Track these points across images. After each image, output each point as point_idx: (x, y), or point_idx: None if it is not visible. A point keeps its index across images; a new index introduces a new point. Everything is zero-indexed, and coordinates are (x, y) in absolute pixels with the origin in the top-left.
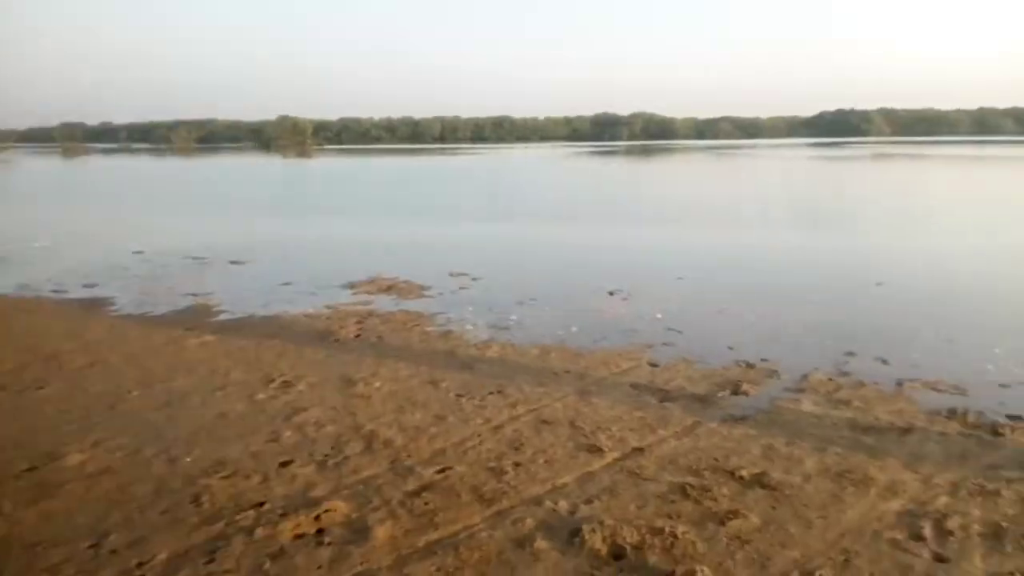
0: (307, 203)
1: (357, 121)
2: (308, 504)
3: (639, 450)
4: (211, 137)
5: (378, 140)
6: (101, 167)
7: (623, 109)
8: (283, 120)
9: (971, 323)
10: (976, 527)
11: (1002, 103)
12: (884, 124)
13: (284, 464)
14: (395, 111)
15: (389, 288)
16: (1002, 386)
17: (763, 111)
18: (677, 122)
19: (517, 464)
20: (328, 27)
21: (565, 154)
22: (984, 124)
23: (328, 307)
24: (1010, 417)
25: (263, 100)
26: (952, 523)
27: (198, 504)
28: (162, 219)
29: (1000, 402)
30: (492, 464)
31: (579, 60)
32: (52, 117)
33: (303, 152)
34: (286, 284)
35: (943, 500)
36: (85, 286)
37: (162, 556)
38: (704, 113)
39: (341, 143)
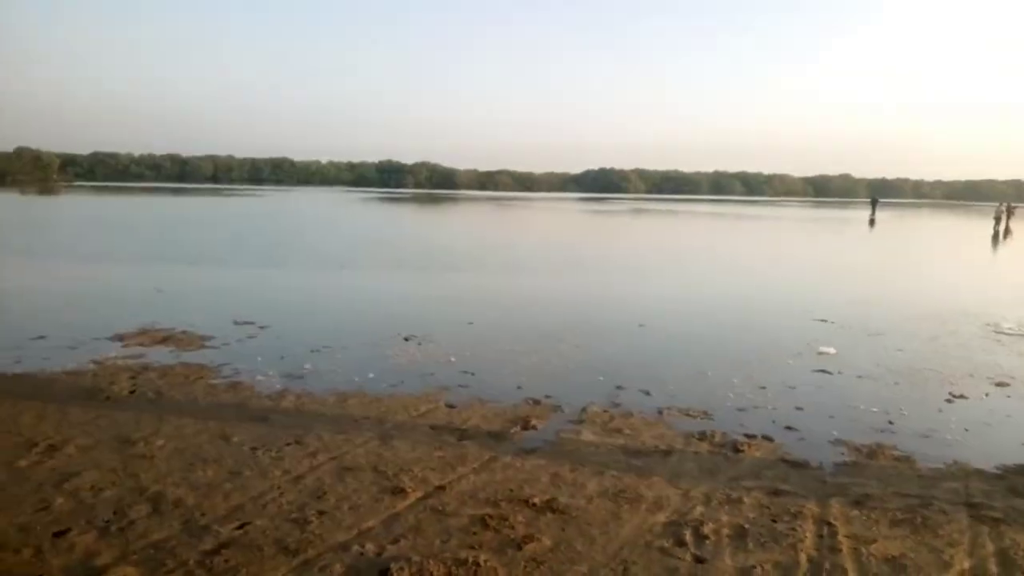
0: (58, 245)
1: (114, 156)
2: (92, 573)
3: (441, 488)
4: None
5: (140, 178)
6: None
7: (407, 157)
8: (22, 152)
9: (717, 357)
10: (725, 530)
11: (732, 167)
12: (639, 182)
13: (59, 534)
14: (159, 147)
15: (165, 339)
16: (739, 410)
17: (537, 167)
18: (459, 173)
19: (321, 512)
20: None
21: (350, 199)
22: (719, 185)
23: (94, 362)
24: (747, 436)
25: None
26: (707, 528)
27: None
28: None
29: (739, 423)
30: (295, 515)
31: (365, 105)
32: None
33: (47, 188)
34: (40, 338)
35: (699, 509)
36: None
37: None
38: (484, 165)
39: (95, 179)
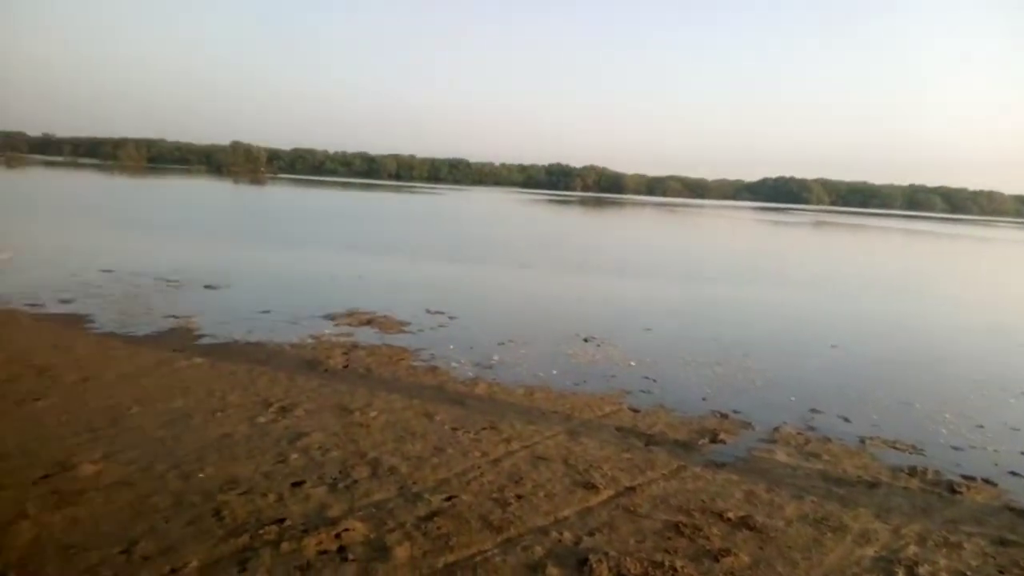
0: (272, 231)
1: (311, 152)
2: (326, 523)
3: (631, 489)
4: (159, 157)
5: (332, 173)
6: (51, 180)
7: (575, 161)
8: (236, 146)
9: (924, 387)
10: (943, 575)
11: (931, 182)
12: (823, 193)
13: (296, 484)
14: (350, 145)
15: (369, 322)
16: (954, 448)
17: (709, 173)
18: (627, 177)
19: (519, 496)
20: (282, 56)
21: (523, 200)
22: (914, 200)
23: (312, 337)
24: (964, 477)
25: (216, 125)
26: (922, 570)
27: (220, 518)
28: (127, 238)
29: (955, 463)
30: (495, 495)
31: (534, 111)
32: None
33: (256, 179)
34: (265, 312)
35: (912, 549)
36: (61, 301)
37: (194, 564)
38: (652, 170)
39: (294, 172)
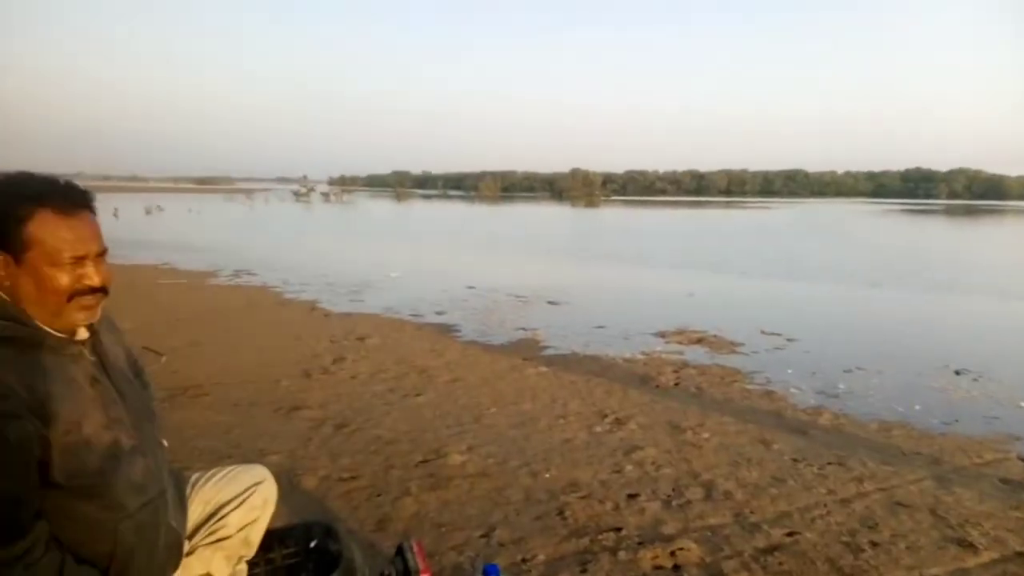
0: (605, 251)
1: (643, 174)
2: (661, 539)
3: (1021, 554)
4: (511, 187)
5: (662, 192)
6: (425, 210)
7: (940, 164)
8: (575, 172)
9: None
10: None
11: None
12: None
13: (632, 496)
14: (679, 164)
15: (700, 340)
16: None
17: None
18: (1009, 180)
19: (874, 543)
20: (613, 83)
21: (871, 211)
22: None
23: (643, 353)
24: None
25: (557, 154)
26: None
27: (563, 517)
28: (485, 259)
29: None
30: (845, 538)
31: (886, 110)
32: (386, 166)
33: (591, 202)
34: (600, 327)
35: None
36: (436, 312)
37: (541, 557)
38: None
39: (626, 194)
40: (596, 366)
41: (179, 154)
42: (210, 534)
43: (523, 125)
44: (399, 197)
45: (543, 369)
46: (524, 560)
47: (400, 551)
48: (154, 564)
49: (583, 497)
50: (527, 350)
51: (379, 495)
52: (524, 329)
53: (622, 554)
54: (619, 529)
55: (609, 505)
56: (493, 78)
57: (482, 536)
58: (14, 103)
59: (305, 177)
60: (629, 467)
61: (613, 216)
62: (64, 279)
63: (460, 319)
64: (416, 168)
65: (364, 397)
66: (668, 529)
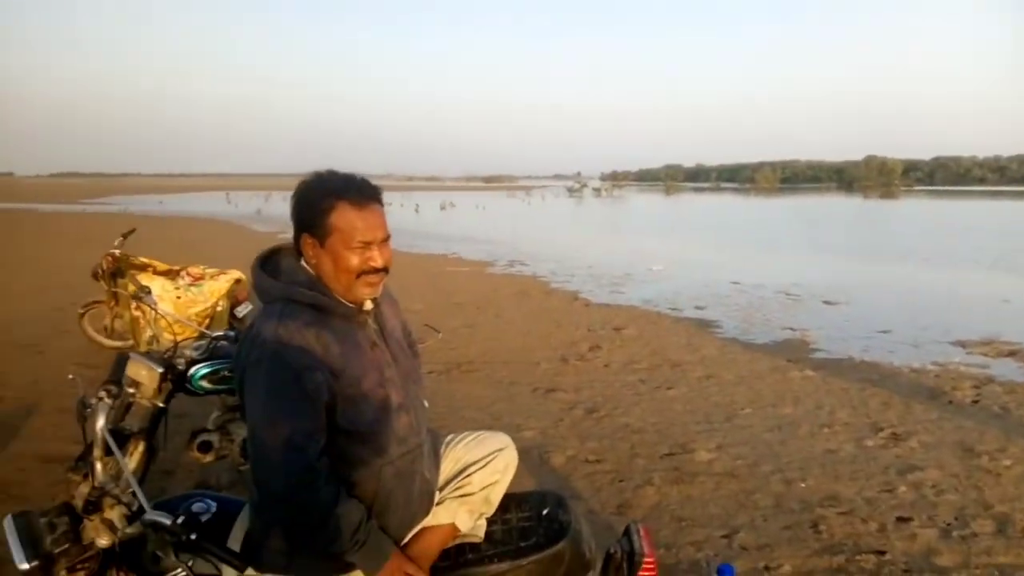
0: (898, 247)
1: (956, 160)
2: (933, 570)
3: None
4: (793, 177)
5: (981, 181)
6: (694, 204)
7: None
8: (869, 160)
9: None
10: None
11: None
12: None
13: (902, 519)
14: (1003, 148)
15: (1012, 353)
16: None
17: None
18: None
19: None
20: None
21: None
22: None
23: (935, 364)
24: None
25: (847, 140)
26: None
27: (817, 531)
28: (753, 253)
29: None
30: None
31: None
32: (658, 160)
33: (888, 193)
34: (884, 332)
35: None
36: (696, 307)
37: (786, 568)
38: None
39: (933, 183)
40: (874, 374)
41: (471, 155)
42: (456, 489)
43: (807, 110)
44: (668, 191)
45: (809, 373)
46: (767, 568)
47: (627, 532)
48: (409, 507)
49: (843, 513)
50: (793, 351)
51: (621, 480)
52: (792, 329)
53: None
54: (882, 552)
55: (873, 525)
56: (771, 63)
57: (723, 536)
58: (345, 119)
59: (579, 173)
60: (903, 488)
61: (913, 208)
62: (355, 260)
63: (720, 315)
64: (689, 161)
65: (615, 385)
66: (943, 561)
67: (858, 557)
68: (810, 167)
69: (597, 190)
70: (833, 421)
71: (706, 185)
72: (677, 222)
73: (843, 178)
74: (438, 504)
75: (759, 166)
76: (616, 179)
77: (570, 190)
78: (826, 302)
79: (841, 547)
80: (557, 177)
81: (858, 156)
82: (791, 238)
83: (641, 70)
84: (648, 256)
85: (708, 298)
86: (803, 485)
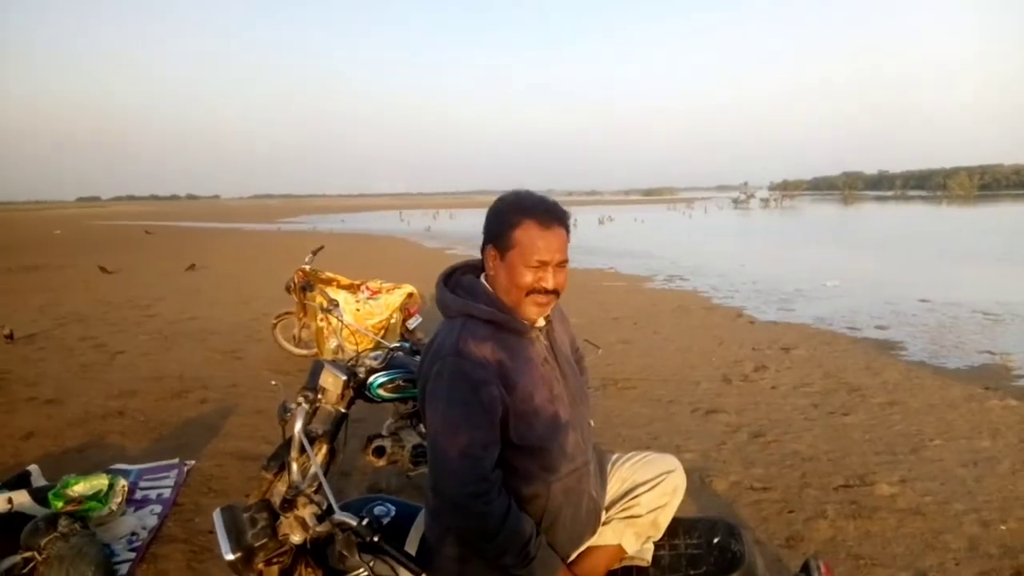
0: None
1: None
2: None
3: None
4: (993, 184)
5: None
6: (875, 214)
7: None
8: None
9: None
10: None
11: None
12: None
13: None
14: None
15: None
16: None
17: None
18: None
19: None
20: None
21: None
22: None
23: None
24: None
25: None
26: None
27: None
28: (945, 269)
29: None
30: None
31: None
32: (835, 167)
33: None
34: None
35: None
36: (877, 327)
37: None
38: None
39: None
40: None
41: (631, 168)
42: (623, 510)
43: (1009, 108)
44: (846, 200)
45: (1012, 403)
46: None
47: (807, 568)
48: (576, 525)
49: None
50: (992, 378)
51: (791, 511)
52: (991, 353)
53: None
54: None
55: None
56: (964, 54)
57: None
58: (502, 139)
59: (745, 184)
60: None
61: None
62: (528, 277)
63: (906, 336)
64: (870, 168)
65: (784, 409)
66: None
67: None
68: (1015, 171)
69: (765, 200)
70: None
71: (889, 193)
72: (856, 234)
73: None
74: (604, 524)
75: (953, 172)
76: (787, 188)
77: (735, 201)
78: None
79: None
80: (721, 188)
81: None
82: (991, 251)
83: (816, 70)
84: (822, 271)
85: (891, 317)
86: (1003, 528)
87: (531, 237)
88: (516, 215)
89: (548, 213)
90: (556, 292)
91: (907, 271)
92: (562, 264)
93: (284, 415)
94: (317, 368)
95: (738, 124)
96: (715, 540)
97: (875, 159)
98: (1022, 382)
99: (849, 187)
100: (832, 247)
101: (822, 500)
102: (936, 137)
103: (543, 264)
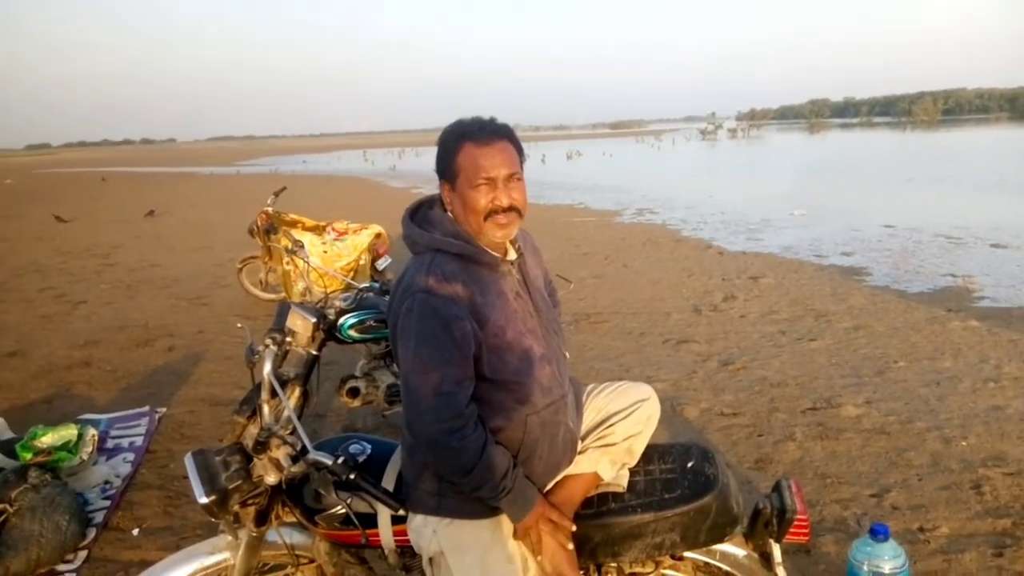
0: None
1: None
2: None
3: None
4: (956, 109)
5: None
6: (841, 141)
7: None
8: None
9: None
10: None
11: None
12: None
13: None
14: None
15: None
16: None
17: None
18: None
19: None
20: None
21: None
22: None
23: None
24: None
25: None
26: None
27: (979, 492)
28: (909, 194)
29: None
30: None
31: None
32: (802, 95)
33: None
34: None
35: None
36: (842, 254)
37: (943, 530)
38: None
39: None
40: None
41: (598, 102)
42: (599, 439)
43: (974, 32)
44: (812, 128)
45: (973, 323)
46: (922, 529)
47: (778, 488)
48: (553, 456)
49: (1010, 474)
50: (954, 300)
51: (760, 435)
52: (953, 276)
53: None
54: None
55: None
56: None
57: (872, 496)
58: (471, 74)
59: (713, 114)
60: None
61: None
62: (481, 200)
63: (870, 261)
64: (836, 95)
65: (752, 337)
66: None
67: None
68: (978, 96)
69: (732, 131)
70: (1000, 376)
71: (855, 120)
72: (822, 162)
73: (1017, 108)
74: (580, 453)
75: (917, 97)
76: (754, 118)
77: (703, 132)
78: (994, 245)
79: (1007, 510)
80: (689, 119)
81: None
82: (953, 177)
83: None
84: (788, 201)
85: (857, 244)
86: (964, 444)
87: (472, 157)
88: (455, 141)
89: (484, 130)
90: (515, 209)
91: (871, 198)
92: (512, 178)
93: (252, 358)
94: (284, 309)
95: (705, 54)
96: (689, 464)
97: (841, 86)
98: (983, 303)
99: (815, 115)
100: (798, 176)
101: (790, 423)
102: (902, 61)
103: (490, 181)
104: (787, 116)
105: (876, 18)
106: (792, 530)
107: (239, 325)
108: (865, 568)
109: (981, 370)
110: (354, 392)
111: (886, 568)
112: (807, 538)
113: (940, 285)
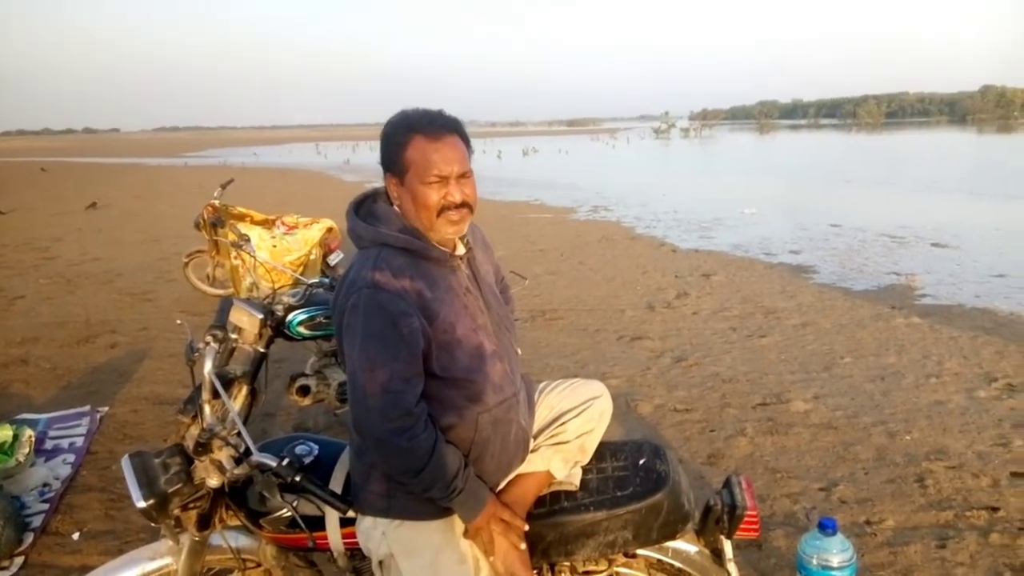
0: (1020, 185)
1: None
2: None
3: None
4: (899, 112)
5: None
6: (789, 142)
7: None
8: (986, 91)
9: None
10: None
11: None
12: None
13: (1018, 475)
14: None
15: None
16: None
17: None
18: None
19: None
20: None
21: None
22: None
23: None
24: None
25: (964, 70)
26: None
27: (923, 485)
28: (854, 195)
29: None
30: None
31: None
32: (751, 96)
33: (1005, 127)
34: (1000, 276)
35: None
36: (791, 252)
37: (889, 523)
38: None
39: None
40: (988, 321)
41: (554, 99)
42: (551, 437)
43: (916, 39)
44: (762, 129)
45: (916, 320)
46: (868, 522)
47: (728, 484)
48: (505, 455)
49: (952, 467)
50: (897, 297)
51: (712, 431)
52: (896, 274)
53: (995, 536)
54: (995, 509)
55: (985, 481)
56: None
57: (821, 489)
58: (428, 68)
59: (666, 113)
60: (1018, 441)
61: None
62: (432, 196)
63: (818, 260)
64: (785, 97)
65: (704, 334)
66: None
67: (968, 513)
68: (919, 100)
69: (685, 130)
70: (941, 371)
71: (803, 122)
72: (771, 162)
73: (956, 111)
74: (533, 452)
75: (862, 100)
76: (706, 118)
77: (656, 131)
78: (935, 244)
79: (950, 502)
80: (643, 118)
81: (974, 87)
82: (896, 178)
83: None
84: (739, 199)
85: (805, 242)
86: (908, 438)
87: (423, 152)
88: (403, 135)
89: (434, 124)
90: (467, 205)
91: (819, 198)
92: (464, 175)
93: (192, 356)
94: (226, 305)
95: (658, 54)
96: (641, 461)
97: (790, 88)
98: (925, 301)
99: (765, 116)
100: (749, 176)
101: (741, 419)
102: (848, 65)
103: (443, 179)
104: (738, 116)
105: (824, 23)
106: (743, 526)
107: (179, 322)
108: (814, 562)
109: (924, 366)
110: (304, 390)
111: (834, 562)
112: (758, 534)
113: (884, 283)
